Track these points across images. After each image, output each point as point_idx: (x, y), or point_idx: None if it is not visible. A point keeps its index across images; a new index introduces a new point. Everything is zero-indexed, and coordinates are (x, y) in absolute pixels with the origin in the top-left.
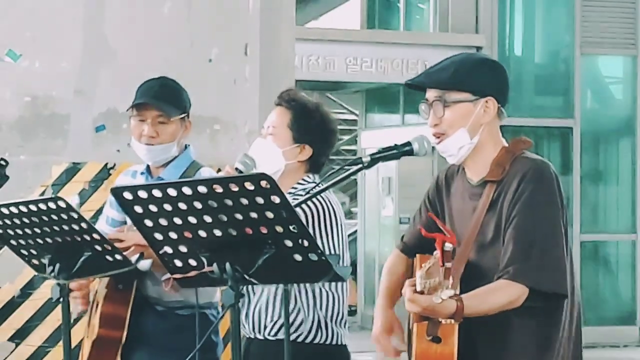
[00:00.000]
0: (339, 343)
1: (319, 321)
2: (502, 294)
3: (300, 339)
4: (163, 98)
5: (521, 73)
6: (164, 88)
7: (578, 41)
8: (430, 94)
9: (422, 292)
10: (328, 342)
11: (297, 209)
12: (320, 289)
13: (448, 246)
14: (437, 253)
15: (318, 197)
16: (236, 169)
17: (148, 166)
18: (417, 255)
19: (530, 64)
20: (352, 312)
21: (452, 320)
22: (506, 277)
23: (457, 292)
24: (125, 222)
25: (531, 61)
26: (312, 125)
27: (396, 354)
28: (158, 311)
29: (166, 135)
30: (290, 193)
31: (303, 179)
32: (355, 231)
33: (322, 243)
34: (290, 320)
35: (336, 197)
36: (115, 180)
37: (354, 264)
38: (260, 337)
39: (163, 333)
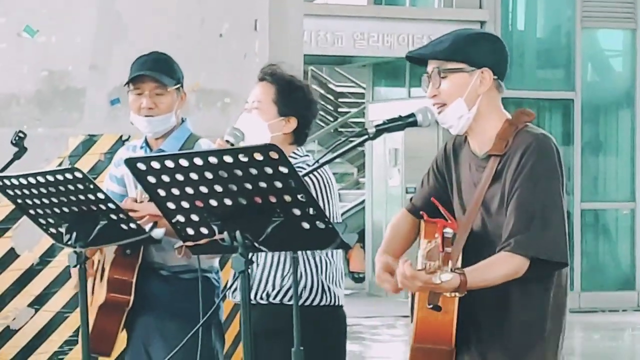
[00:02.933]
0: (338, 304)
1: (322, 285)
2: (503, 267)
3: (307, 303)
4: (158, 69)
5: (523, 47)
6: (157, 61)
7: (579, 16)
8: (430, 66)
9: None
10: (330, 303)
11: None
12: (320, 257)
13: (448, 232)
14: (439, 238)
15: (318, 169)
16: (227, 141)
17: (146, 140)
18: (422, 221)
19: (533, 38)
20: (360, 280)
21: (457, 294)
22: (507, 249)
23: (459, 265)
24: (125, 196)
25: (533, 35)
26: (296, 98)
27: (395, 290)
28: (162, 276)
29: (164, 106)
30: None
31: (294, 153)
32: (363, 201)
33: (326, 212)
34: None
35: (345, 167)
36: (116, 155)
37: (362, 233)
38: (263, 302)
39: (168, 297)
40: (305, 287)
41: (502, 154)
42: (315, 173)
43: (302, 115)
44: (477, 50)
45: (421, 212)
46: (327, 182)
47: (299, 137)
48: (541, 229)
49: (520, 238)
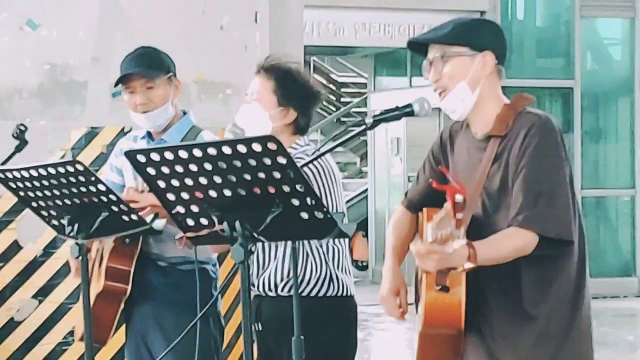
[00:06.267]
0: (348, 294)
1: (330, 275)
2: (512, 241)
3: (313, 294)
4: (143, 64)
5: (523, 36)
6: (141, 56)
7: (578, 4)
8: (431, 53)
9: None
10: (339, 294)
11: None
12: (327, 245)
13: (459, 198)
14: (448, 205)
15: (320, 158)
16: None
17: (148, 130)
18: (424, 208)
19: (532, 27)
20: (363, 268)
21: (471, 265)
22: (516, 224)
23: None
24: (125, 186)
25: (532, 24)
26: (295, 88)
27: (401, 316)
28: (160, 267)
29: (158, 99)
30: None
31: (296, 143)
32: (366, 190)
33: (327, 202)
34: (305, 277)
35: (348, 157)
36: (116, 145)
37: (365, 221)
38: (272, 294)
39: (165, 288)
40: (312, 277)
41: (502, 135)
42: (315, 162)
43: (301, 106)
44: (478, 33)
45: (430, 180)
46: (328, 171)
47: (299, 128)
48: (548, 206)
49: (528, 214)
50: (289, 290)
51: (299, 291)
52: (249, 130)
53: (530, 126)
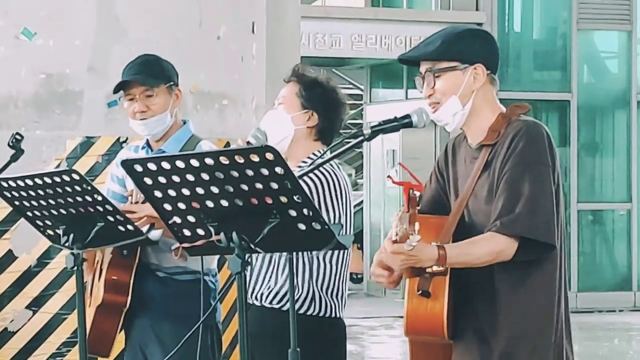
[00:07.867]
0: (333, 316)
1: (313, 294)
2: (486, 244)
3: (299, 311)
4: (143, 72)
5: (520, 49)
6: (142, 64)
7: (575, 17)
8: (423, 67)
9: (396, 242)
10: (322, 314)
11: (303, 180)
12: (318, 262)
13: (414, 193)
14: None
15: (324, 169)
16: (247, 142)
17: (148, 141)
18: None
19: (529, 40)
20: (358, 280)
21: (439, 267)
22: (493, 229)
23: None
24: (124, 196)
25: (530, 37)
26: (318, 93)
27: (392, 283)
28: (159, 277)
29: (156, 106)
30: (299, 167)
31: (313, 154)
32: (362, 202)
33: (327, 213)
34: (285, 290)
35: (342, 169)
36: (117, 155)
37: (360, 234)
38: (257, 303)
39: (164, 298)
40: (296, 293)
41: (493, 143)
42: (318, 173)
43: (324, 110)
44: (468, 47)
45: (388, 175)
46: (332, 182)
47: (323, 134)
48: (528, 210)
49: (506, 219)
50: (271, 302)
51: (280, 305)
52: (271, 133)
53: (517, 132)
